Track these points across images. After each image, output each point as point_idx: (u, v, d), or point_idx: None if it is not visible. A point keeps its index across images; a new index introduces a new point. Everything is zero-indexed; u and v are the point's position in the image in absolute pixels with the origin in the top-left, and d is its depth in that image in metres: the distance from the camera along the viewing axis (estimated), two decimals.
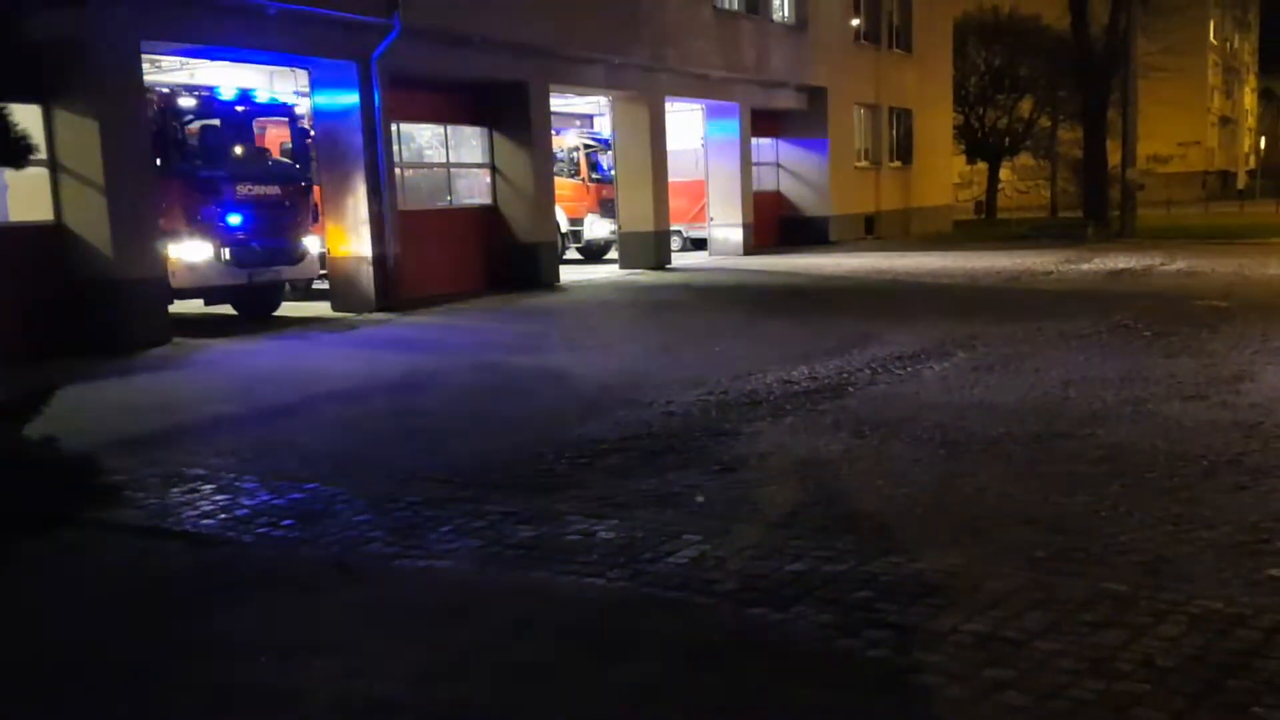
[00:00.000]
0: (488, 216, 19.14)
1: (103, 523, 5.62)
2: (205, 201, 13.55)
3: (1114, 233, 27.91)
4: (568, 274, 20.05)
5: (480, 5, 16.64)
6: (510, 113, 18.71)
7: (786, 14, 26.80)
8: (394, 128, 16.41)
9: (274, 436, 7.87)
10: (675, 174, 23.38)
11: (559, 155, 23.57)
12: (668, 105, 22.37)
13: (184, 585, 4.95)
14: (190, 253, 13.36)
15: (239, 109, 14.23)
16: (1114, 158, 30.28)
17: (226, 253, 13.66)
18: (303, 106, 15.46)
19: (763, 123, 26.56)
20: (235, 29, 13.36)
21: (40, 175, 12.09)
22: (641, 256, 21.83)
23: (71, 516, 5.34)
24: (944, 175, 36.21)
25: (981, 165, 43.45)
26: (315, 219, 15.05)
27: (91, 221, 12.17)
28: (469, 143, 19.24)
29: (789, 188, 28.53)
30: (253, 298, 14.75)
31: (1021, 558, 4.77)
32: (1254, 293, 14.66)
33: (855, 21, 29.83)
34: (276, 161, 14.88)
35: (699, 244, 25.89)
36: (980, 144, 41.72)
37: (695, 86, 23.10)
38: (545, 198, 19.35)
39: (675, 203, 23.48)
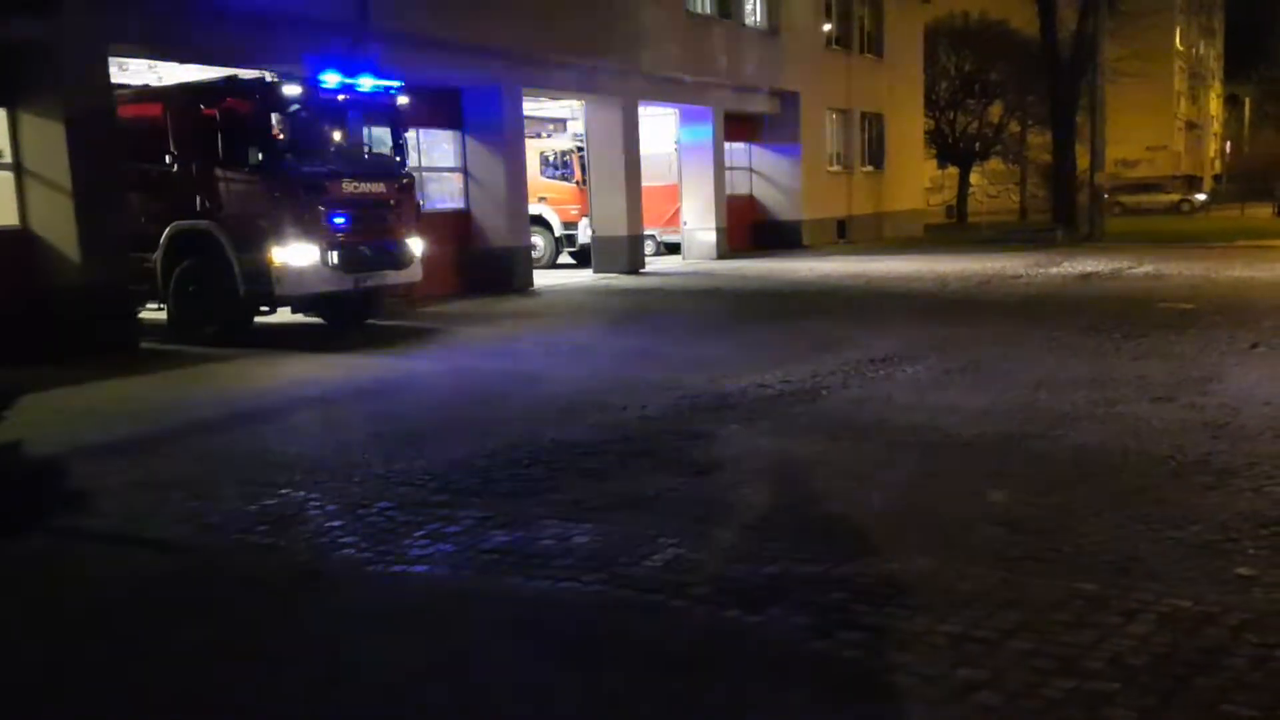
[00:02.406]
0: (461, 220, 19.09)
1: (70, 529, 5.57)
2: (310, 200, 12.40)
3: (1083, 236, 28.18)
4: (542, 279, 20.02)
5: (451, 9, 16.62)
6: (482, 116, 18.70)
7: (758, 19, 26.91)
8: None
9: (245, 442, 7.81)
10: (649, 178, 23.41)
11: (551, 158, 23.52)
12: (641, 109, 22.39)
13: (153, 593, 4.91)
14: (296, 256, 12.24)
15: (341, 98, 13.02)
16: (1083, 162, 30.58)
17: (334, 256, 12.54)
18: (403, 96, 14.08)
19: (736, 127, 26.63)
20: (204, 33, 13.25)
21: (5, 179, 11.96)
22: (615, 261, 21.84)
23: (38, 523, 5.28)
24: (916, 179, 36.43)
25: (953, 170, 43.73)
26: (417, 217, 13.97)
27: (58, 226, 12.03)
28: (441, 146, 19.18)
29: (762, 192, 28.63)
30: (349, 306, 13.73)
31: (993, 558, 4.81)
32: (1220, 295, 14.84)
33: (827, 27, 29.99)
34: (380, 155, 13.72)
35: (673, 248, 25.92)
36: (951, 148, 42.00)
37: (668, 90, 23.14)
38: (519, 202, 19.34)
39: (649, 207, 23.50)
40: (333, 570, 5.04)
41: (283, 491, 6.32)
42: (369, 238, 12.97)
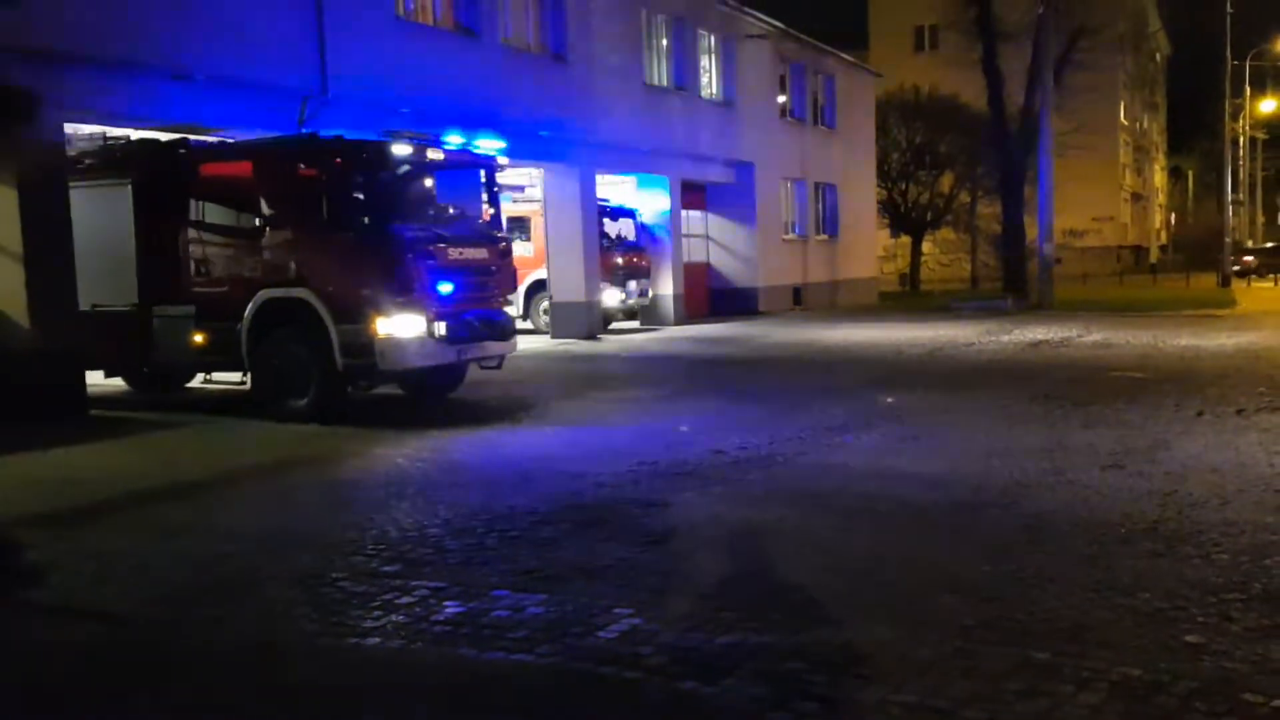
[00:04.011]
0: None
1: (13, 602, 5.43)
2: (418, 268, 11.40)
3: (1033, 304, 28.69)
4: None
5: (406, 79, 16.76)
6: None
7: (714, 91, 27.44)
8: None
9: (195, 511, 7.68)
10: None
11: None
12: (599, 176, 22.65)
13: (98, 668, 4.79)
14: (402, 328, 11.20)
15: (441, 158, 12.19)
16: (1032, 232, 31.23)
17: (441, 328, 11.47)
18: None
19: (693, 195, 27.00)
20: (163, 98, 13.26)
21: None
22: (573, 326, 21.90)
23: None
24: (869, 248, 37.03)
25: (905, 238, 44.47)
26: (514, 285, 13.15)
27: (8, 292, 11.89)
28: None
29: (719, 259, 28.94)
30: (441, 378, 12.80)
31: (948, 627, 4.83)
32: (1167, 363, 15.14)
33: (781, 99, 30.63)
34: (480, 219, 12.83)
35: (630, 314, 26.04)
36: (903, 218, 42.75)
37: (626, 159, 23.45)
38: None
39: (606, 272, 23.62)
40: (283, 643, 4.95)
41: (232, 562, 6.21)
42: (474, 307, 12.07)
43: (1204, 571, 5.56)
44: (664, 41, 25.37)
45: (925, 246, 44.82)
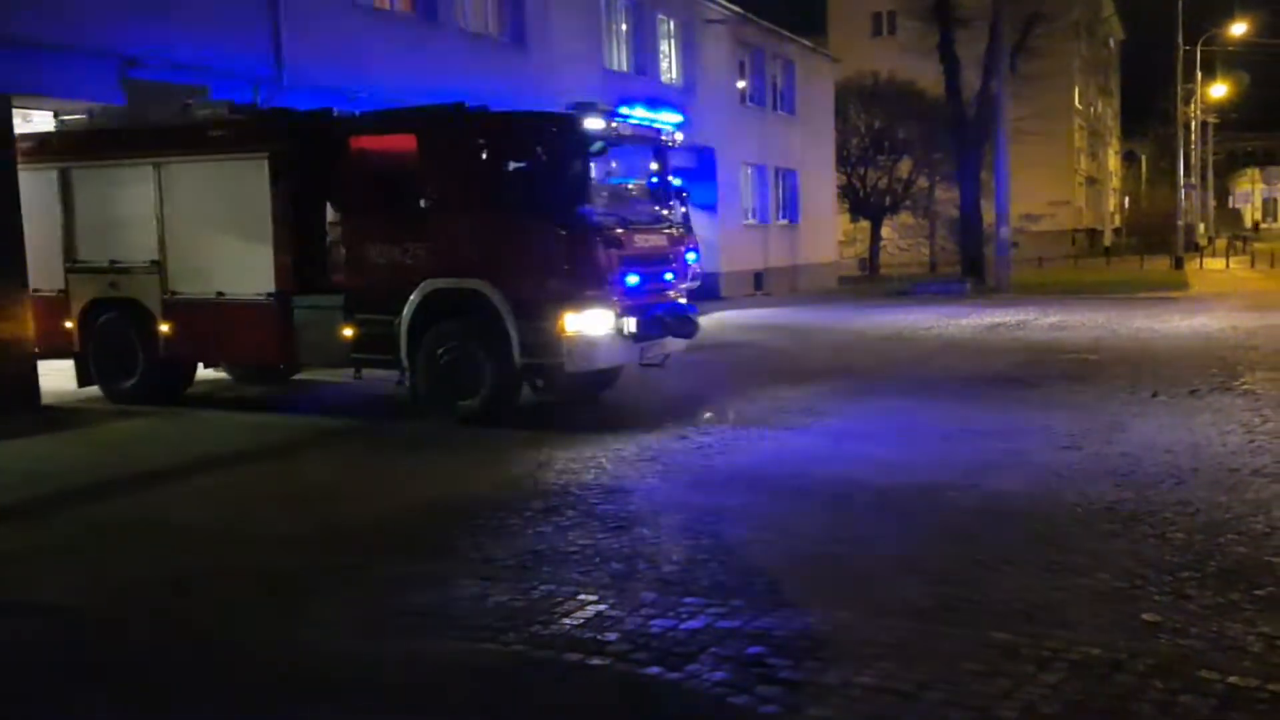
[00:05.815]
0: None
1: None
2: (608, 256, 10.15)
3: (990, 288, 28.95)
4: None
5: (367, 61, 16.60)
6: None
7: (674, 76, 27.41)
8: None
9: (147, 505, 7.57)
10: None
11: None
12: None
13: (45, 665, 4.70)
14: (592, 324, 10.00)
15: (630, 134, 10.91)
16: (989, 216, 31.49)
17: (630, 323, 10.27)
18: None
19: None
20: (113, 84, 13.02)
21: None
22: None
23: None
24: (829, 233, 37.19)
25: (865, 223, 44.69)
26: (695, 275, 11.94)
27: None
28: None
29: None
30: (596, 376, 11.25)
31: (908, 609, 4.86)
32: (1121, 345, 15.33)
33: (741, 84, 30.64)
34: (662, 203, 11.46)
35: None
36: (863, 203, 42.96)
37: None
38: None
39: None
40: (239, 637, 4.89)
41: (186, 555, 6.13)
42: (661, 300, 10.95)
43: (1160, 550, 5.65)
44: (623, 26, 25.28)
45: (884, 231, 45.05)
